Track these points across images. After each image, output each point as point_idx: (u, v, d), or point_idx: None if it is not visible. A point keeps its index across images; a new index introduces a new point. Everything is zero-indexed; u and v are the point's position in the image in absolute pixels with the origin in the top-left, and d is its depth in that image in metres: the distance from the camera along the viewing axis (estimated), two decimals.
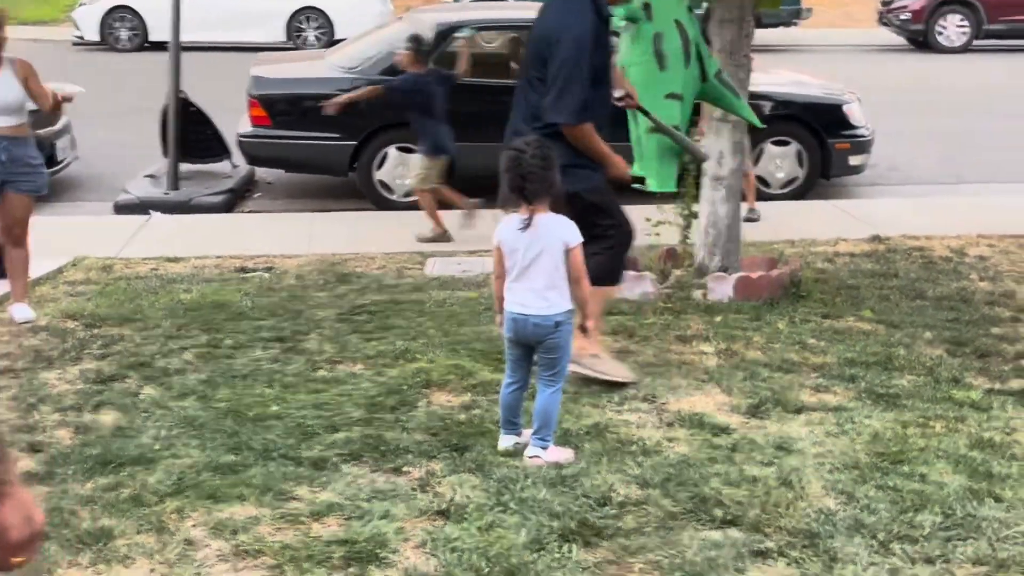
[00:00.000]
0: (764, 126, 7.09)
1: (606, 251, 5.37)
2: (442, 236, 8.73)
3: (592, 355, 5.31)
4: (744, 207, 8.71)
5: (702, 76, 6.24)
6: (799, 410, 5.09)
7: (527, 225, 4.43)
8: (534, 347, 4.54)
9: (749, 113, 6.64)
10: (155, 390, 5.44)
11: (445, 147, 8.84)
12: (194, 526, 4.03)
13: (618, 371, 5.41)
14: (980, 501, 4.17)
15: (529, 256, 4.45)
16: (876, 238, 8.68)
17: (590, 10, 5.21)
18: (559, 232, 4.45)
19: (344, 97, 9.10)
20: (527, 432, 4.63)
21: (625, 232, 5.57)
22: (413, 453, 4.61)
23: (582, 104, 5.15)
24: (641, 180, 6.23)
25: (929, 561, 3.76)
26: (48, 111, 6.84)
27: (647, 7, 6.05)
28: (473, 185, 9.82)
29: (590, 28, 5.15)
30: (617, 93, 5.62)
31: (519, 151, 4.44)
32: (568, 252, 4.44)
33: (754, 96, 9.81)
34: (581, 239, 4.49)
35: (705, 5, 7.02)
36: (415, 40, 8.98)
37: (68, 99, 6.71)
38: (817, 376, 5.57)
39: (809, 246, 8.47)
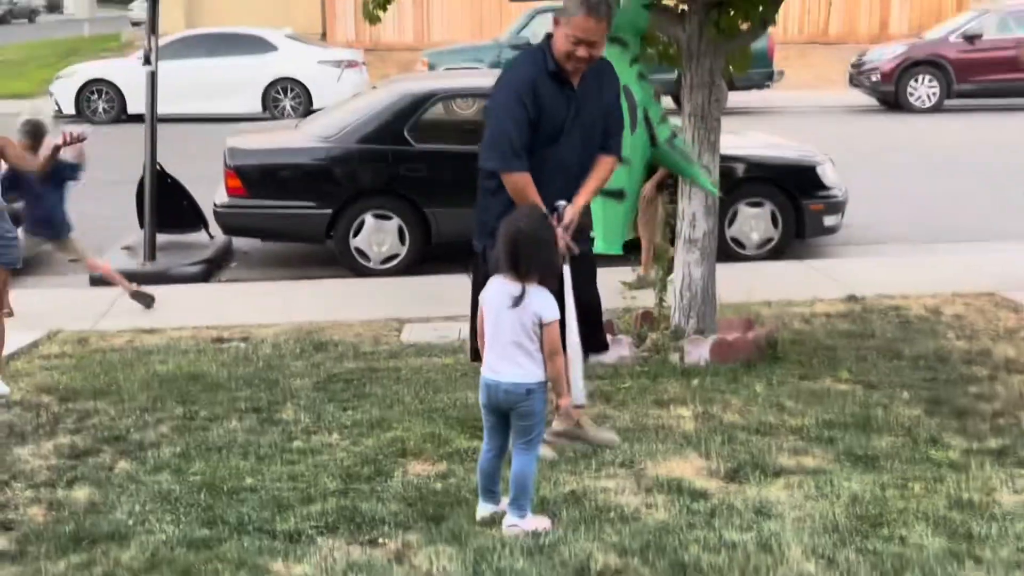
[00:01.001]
0: (720, 194, 7.06)
1: None
2: None
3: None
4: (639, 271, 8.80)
5: (651, 141, 6.30)
6: (778, 473, 5.08)
7: (517, 303, 4.43)
8: (508, 414, 4.53)
9: (704, 180, 6.67)
10: (129, 464, 5.39)
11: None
12: None
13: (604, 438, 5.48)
14: (960, 563, 4.16)
15: (504, 322, 4.46)
16: (852, 298, 8.71)
17: (533, 62, 5.17)
18: (535, 305, 4.45)
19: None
20: (505, 500, 4.60)
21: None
22: (389, 524, 4.57)
23: (511, 149, 5.02)
24: None
25: None
26: (38, 171, 6.82)
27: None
28: (450, 251, 9.89)
29: (526, 76, 5.09)
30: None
31: (518, 227, 4.47)
32: (543, 327, 4.44)
33: (728, 159, 9.96)
34: (557, 315, 4.49)
35: (676, 72, 7.10)
36: (25, 125, 8.56)
37: (82, 138, 6.63)
38: (795, 438, 5.56)
39: (786, 307, 8.48)
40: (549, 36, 5.17)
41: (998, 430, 5.69)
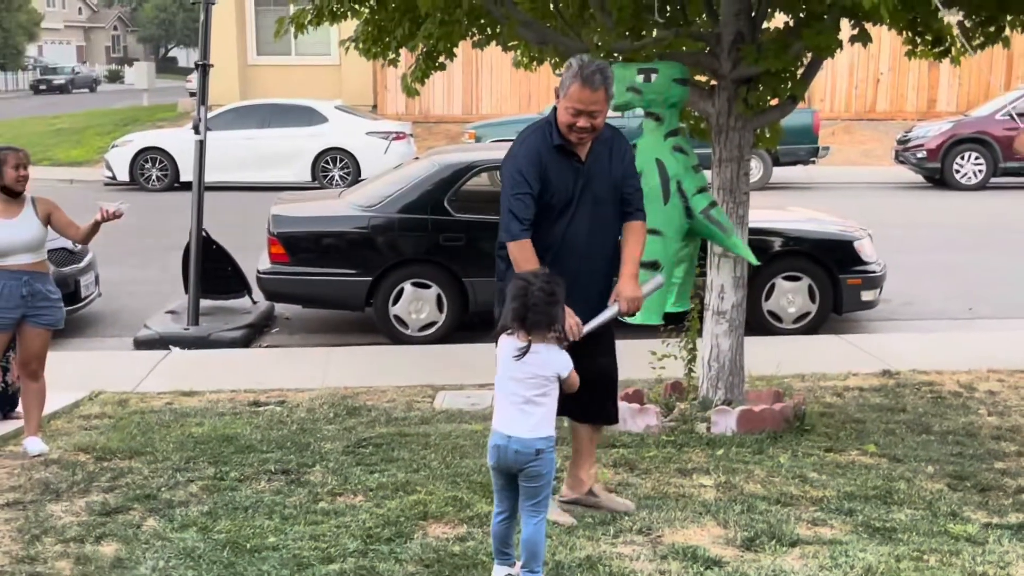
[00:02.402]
0: (758, 263, 7.12)
1: None
2: None
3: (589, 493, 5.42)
4: None
5: (687, 212, 6.41)
6: (794, 543, 5.10)
7: (523, 354, 4.53)
8: (517, 475, 4.59)
9: (743, 249, 6.75)
10: (157, 522, 5.51)
11: None
12: None
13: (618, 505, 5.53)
14: None
15: (511, 379, 4.57)
16: (886, 373, 8.72)
17: (539, 136, 5.21)
18: (552, 364, 4.54)
19: None
20: (519, 563, 4.65)
21: None
22: None
23: (516, 219, 5.07)
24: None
25: None
26: (79, 241, 7.03)
27: (632, 147, 6.33)
28: (488, 319, 9.98)
29: (531, 151, 5.14)
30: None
31: (527, 282, 4.56)
32: (562, 381, 4.56)
33: (766, 232, 10.09)
34: (571, 366, 4.58)
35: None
36: None
37: (118, 215, 6.77)
38: (815, 509, 5.58)
39: (819, 380, 8.51)
40: (555, 109, 5.23)
41: (1020, 505, 5.68)
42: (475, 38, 7.64)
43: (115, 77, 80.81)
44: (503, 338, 4.64)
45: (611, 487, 5.89)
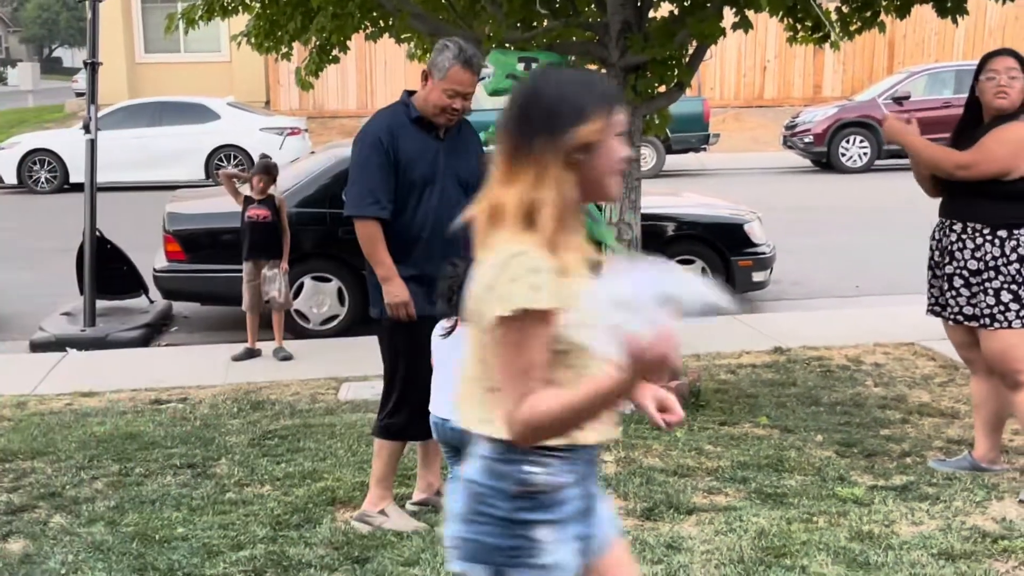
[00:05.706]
0: (616, 248, 7.25)
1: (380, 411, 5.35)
2: None
3: (380, 511, 5.30)
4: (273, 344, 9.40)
5: None
6: (691, 511, 5.30)
7: (448, 333, 4.66)
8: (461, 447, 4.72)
9: (610, 239, 6.90)
10: (64, 518, 5.51)
11: None
12: None
13: (406, 525, 5.31)
14: None
15: (442, 360, 4.68)
16: (778, 349, 8.99)
17: (390, 113, 5.18)
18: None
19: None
20: None
21: (400, 398, 5.29)
22: (315, 567, 4.73)
23: (368, 192, 5.00)
24: None
25: None
26: None
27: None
28: None
29: (382, 124, 5.10)
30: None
31: (454, 266, 4.67)
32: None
33: (660, 217, 10.31)
34: None
35: None
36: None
37: None
38: (711, 479, 5.79)
39: (714, 359, 8.75)
40: (409, 93, 5.24)
41: (904, 468, 5.95)
42: (368, 30, 7.72)
43: None
44: (441, 321, 4.75)
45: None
